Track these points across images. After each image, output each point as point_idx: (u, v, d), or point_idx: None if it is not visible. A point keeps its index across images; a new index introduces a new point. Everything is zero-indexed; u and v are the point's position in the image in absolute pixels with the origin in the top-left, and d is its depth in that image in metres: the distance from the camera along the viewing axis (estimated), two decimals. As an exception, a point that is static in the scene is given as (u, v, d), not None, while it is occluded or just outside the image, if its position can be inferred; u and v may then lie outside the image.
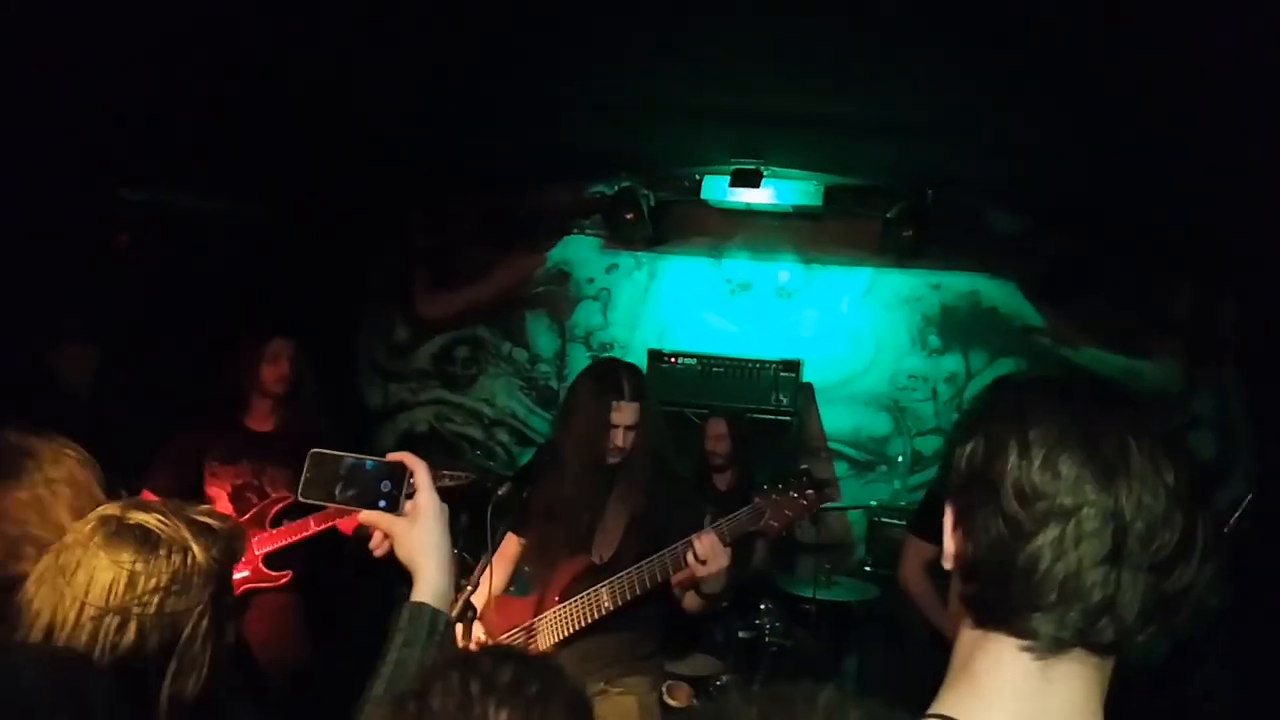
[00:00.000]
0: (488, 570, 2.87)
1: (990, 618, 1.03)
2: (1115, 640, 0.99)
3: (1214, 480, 5.59)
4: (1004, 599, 1.01)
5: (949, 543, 1.08)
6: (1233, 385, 5.65)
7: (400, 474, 1.48)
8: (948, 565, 1.09)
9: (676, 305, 6.32)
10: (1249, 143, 3.58)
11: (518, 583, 3.33)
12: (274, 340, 3.96)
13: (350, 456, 1.49)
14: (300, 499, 1.50)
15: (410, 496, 1.48)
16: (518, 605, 3.18)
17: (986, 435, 1.05)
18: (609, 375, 3.20)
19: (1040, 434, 1.01)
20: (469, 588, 2.75)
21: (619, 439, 3.11)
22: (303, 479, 1.50)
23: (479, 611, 2.90)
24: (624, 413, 3.11)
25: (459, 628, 2.82)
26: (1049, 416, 1.03)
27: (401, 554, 1.48)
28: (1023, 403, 1.06)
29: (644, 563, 2.96)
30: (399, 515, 1.47)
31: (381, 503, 1.47)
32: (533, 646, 3.06)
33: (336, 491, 1.49)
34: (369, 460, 1.49)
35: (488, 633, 3.12)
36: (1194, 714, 4.69)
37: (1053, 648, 1.00)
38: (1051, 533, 0.98)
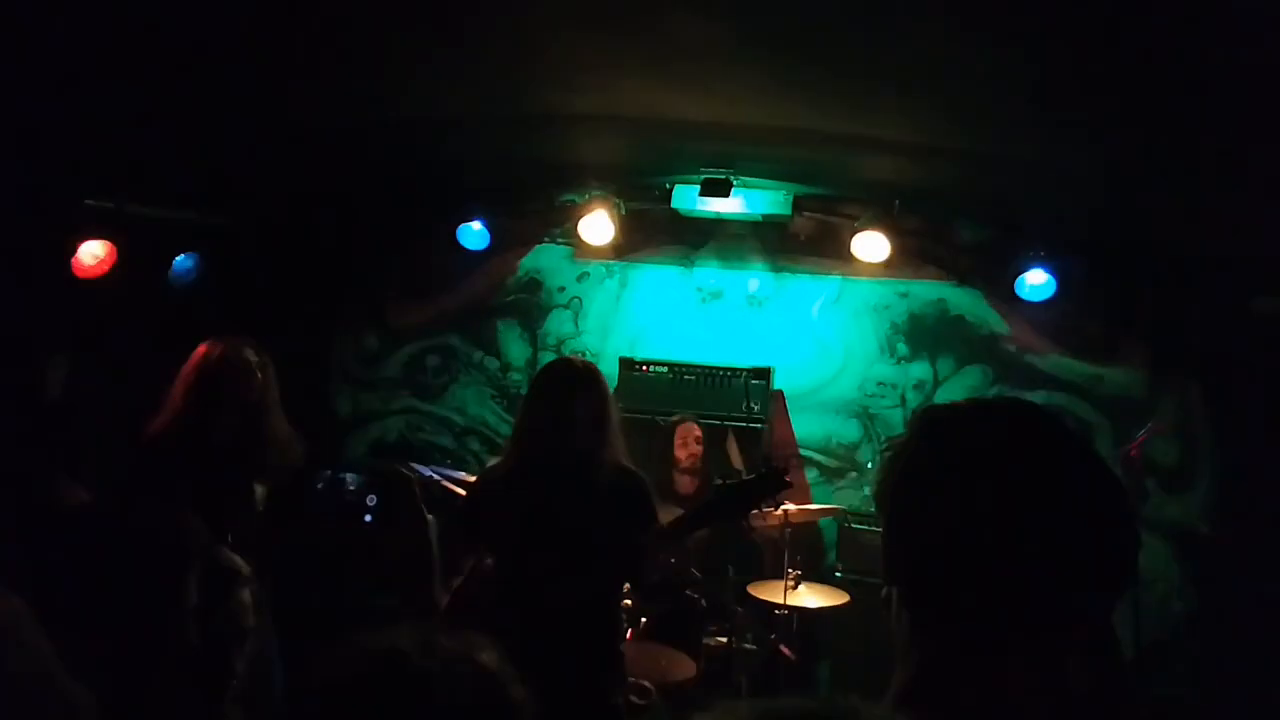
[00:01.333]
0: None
1: (927, 604, 1.09)
2: (1046, 620, 1.05)
3: (1178, 485, 5.69)
4: (939, 585, 1.07)
5: (884, 550, 1.14)
6: (1196, 392, 5.74)
7: (386, 487, 1.48)
8: (884, 574, 1.14)
9: (647, 313, 6.34)
10: (1216, 150, 3.65)
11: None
12: (245, 353, 3.93)
13: (339, 470, 1.51)
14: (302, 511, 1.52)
15: (397, 509, 1.48)
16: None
17: (912, 452, 1.14)
18: (567, 365, 3.32)
19: (957, 433, 1.11)
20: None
21: (583, 423, 3.17)
22: (305, 492, 1.51)
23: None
24: (583, 398, 3.19)
25: None
26: (972, 425, 1.13)
27: (385, 568, 1.47)
28: (945, 420, 1.17)
29: (606, 559, 3.00)
30: (384, 528, 1.47)
31: (367, 516, 1.48)
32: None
33: (322, 504, 1.50)
34: (355, 474, 1.51)
35: None
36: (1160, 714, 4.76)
37: (988, 625, 1.05)
38: (983, 524, 1.04)
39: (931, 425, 1.16)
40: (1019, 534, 1.03)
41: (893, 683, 1.11)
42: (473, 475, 3.76)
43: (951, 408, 1.20)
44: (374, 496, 1.28)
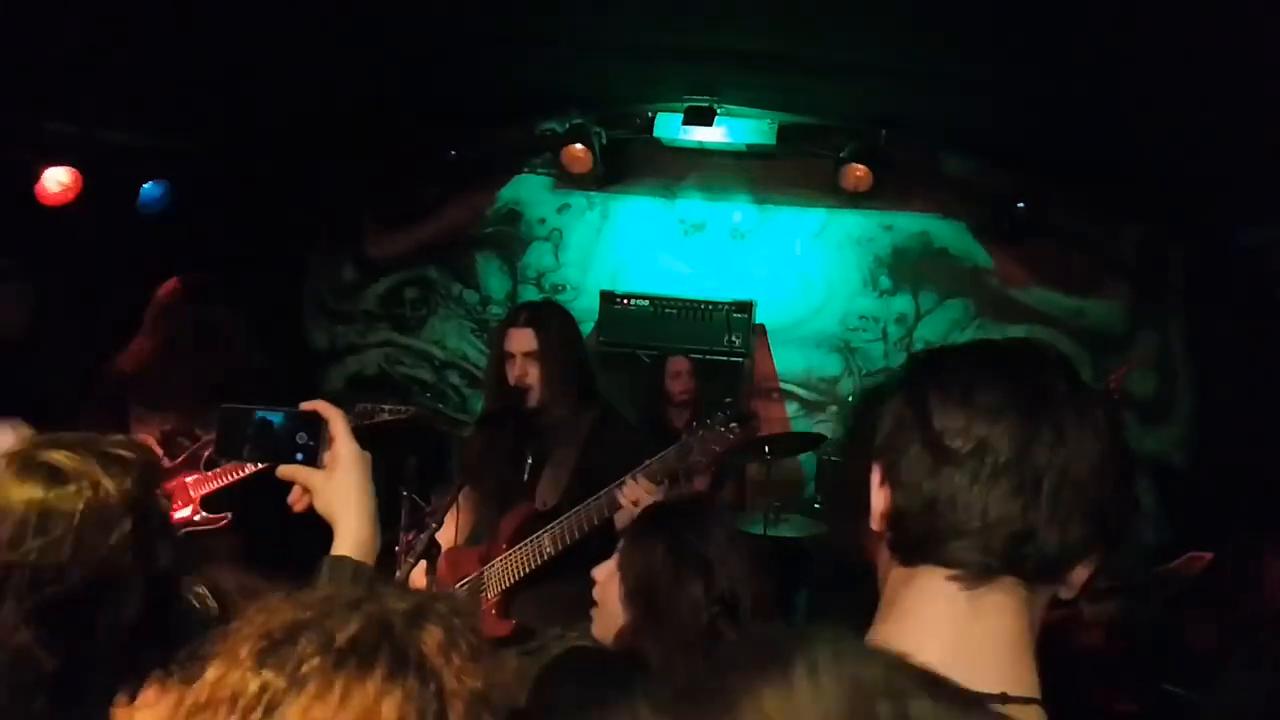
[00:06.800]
0: (454, 510, 2.88)
1: (917, 552, 1.05)
2: (1041, 569, 1.01)
3: (1156, 417, 5.72)
4: (929, 532, 1.03)
5: (877, 500, 1.09)
6: (1176, 324, 5.74)
7: (316, 424, 1.44)
8: (877, 525, 1.10)
9: (629, 246, 6.27)
10: (1199, 85, 3.60)
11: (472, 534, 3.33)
12: (210, 288, 3.86)
13: (261, 410, 1.46)
14: (215, 458, 1.48)
15: (327, 447, 1.44)
16: (468, 556, 3.17)
17: (907, 388, 1.09)
18: (511, 312, 3.31)
19: (957, 374, 1.05)
20: (433, 526, 2.78)
21: (516, 368, 3.12)
22: (216, 437, 1.50)
23: (442, 551, 2.92)
24: (515, 339, 3.14)
25: (422, 565, 2.83)
26: (966, 361, 1.09)
27: (320, 506, 1.44)
28: (941, 355, 1.13)
29: (580, 506, 2.95)
30: (317, 467, 1.43)
31: (299, 455, 1.43)
32: (483, 597, 3.06)
33: (250, 448, 1.46)
34: (281, 412, 1.46)
35: (439, 584, 3.11)
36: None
37: (979, 574, 1.01)
38: (972, 462, 1.00)
39: (931, 358, 1.12)
40: (1026, 485, 0.99)
41: (875, 633, 1.06)
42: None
43: (951, 350, 1.15)
44: (304, 434, 1.22)
